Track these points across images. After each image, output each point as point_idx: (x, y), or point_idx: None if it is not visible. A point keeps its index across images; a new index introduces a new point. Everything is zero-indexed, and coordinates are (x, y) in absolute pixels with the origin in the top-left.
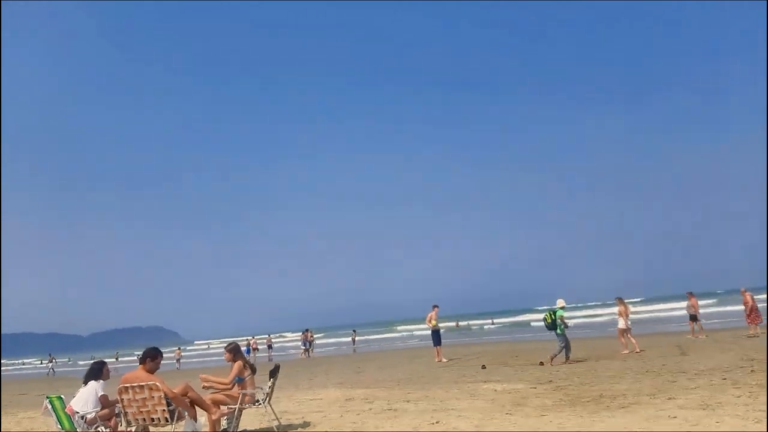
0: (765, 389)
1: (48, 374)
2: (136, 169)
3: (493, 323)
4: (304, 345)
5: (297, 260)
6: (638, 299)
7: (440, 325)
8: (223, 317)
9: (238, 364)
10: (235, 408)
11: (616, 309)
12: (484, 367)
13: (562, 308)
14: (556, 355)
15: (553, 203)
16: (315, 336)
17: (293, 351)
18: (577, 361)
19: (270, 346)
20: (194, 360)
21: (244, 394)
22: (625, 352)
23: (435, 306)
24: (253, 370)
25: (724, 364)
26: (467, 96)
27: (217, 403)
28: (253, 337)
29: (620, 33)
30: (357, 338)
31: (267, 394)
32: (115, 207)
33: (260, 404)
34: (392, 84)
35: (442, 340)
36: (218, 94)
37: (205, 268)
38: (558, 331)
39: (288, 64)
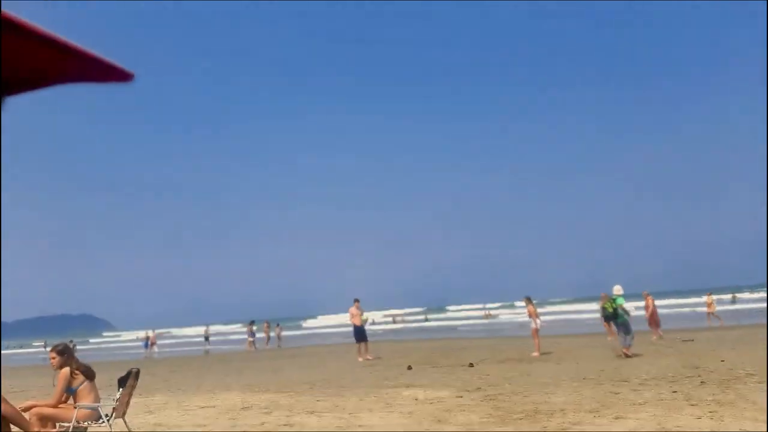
0: (726, 409)
1: None
2: (68, 144)
3: (426, 319)
4: (249, 336)
5: (235, 252)
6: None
7: (374, 319)
8: (153, 307)
9: (64, 372)
10: (69, 427)
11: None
12: (410, 368)
13: (621, 296)
14: (630, 345)
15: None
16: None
17: (235, 343)
18: (511, 360)
19: (207, 338)
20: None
21: (80, 409)
22: (536, 354)
23: (356, 300)
24: (89, 375)
25: (668, 372)
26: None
27: (44, 420)
28: (154, 331)
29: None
30: (283, 333)
31: (114, 408)
32: (43, 185)
33: (103, 422)
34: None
35: (369, 338)
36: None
37: (135, 256)
38: (620, 320)
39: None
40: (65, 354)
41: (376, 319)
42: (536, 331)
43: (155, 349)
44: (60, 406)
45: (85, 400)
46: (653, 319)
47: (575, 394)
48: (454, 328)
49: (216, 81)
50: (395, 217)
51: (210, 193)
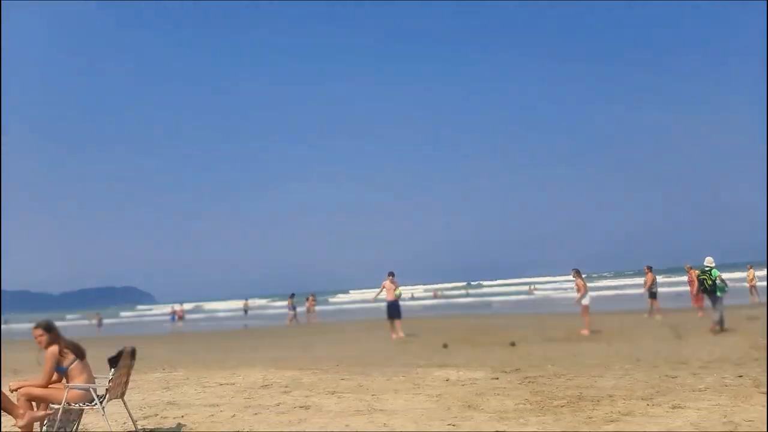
0: None
1: None
2: (108, 127)
3: (467, 294)
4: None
5: (271, 225)
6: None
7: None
8: (194, 279)
9: (52, 350)
10: (58, 408)
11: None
12: (445, 346)
13: (714, 268)
14: (720, 320)
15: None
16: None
17: (274, 318)
18: (557, 339)
19: (246, 311)
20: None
21: (70, 390)
22: (585, 332)
23: (391, 274)
24: (80, 354)
25: (733, 353)
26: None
27: (33, 401)
28: (181, 304)
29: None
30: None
31: (107, 389)
32: (86, 166)
33: (96, 405)
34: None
35: (406, 314)
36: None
37: (177, 230)
38: (719, 293)
39: None
40: (52, 331)
41: (416, 294)
42: (586, 307)
43: (181, 323)
44: (51, 386)
45: (77, 380)
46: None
47: (626, 378)
48: (495, 304)
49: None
50: (434, 187)
51: (249, 166)
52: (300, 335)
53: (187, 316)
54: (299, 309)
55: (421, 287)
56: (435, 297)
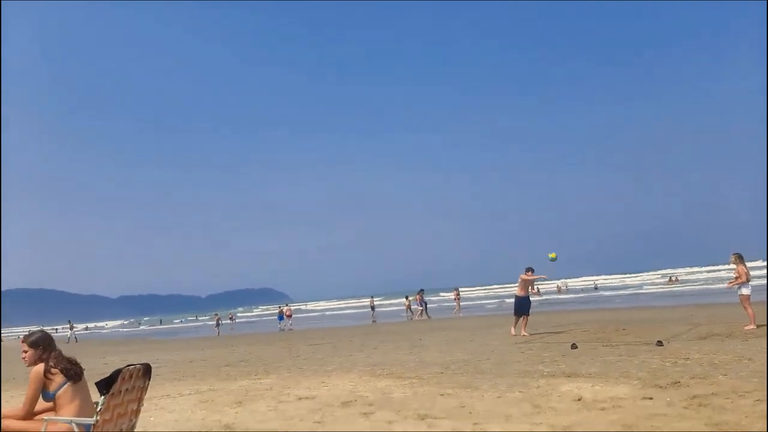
0: None
1: (68, 341)
2: (240, 144)
3: (596, 287)
4: (421, 305)
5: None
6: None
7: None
8: (327, 279)
9: (36, 371)
10: None
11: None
12: (574, 346)
13: None
14: None
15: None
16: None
17: (398, 313)
18: (717, 336)
19: (373, 308)
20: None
21: (50, 424)
22: (751, 327)
23: (529, 269)
24: (72, 375)
25: None
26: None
27: None
28: (287, 304)
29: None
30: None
31: (94, 424)
32: (222, 179)
33: None
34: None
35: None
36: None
37: (310, 235)
38: None
39: None
40: (40, 346)
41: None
42: (746, 297)
43: (290, 322)
44: (38, 413)
45: (65, 409)
46: None
47: None
48: (630, 296)
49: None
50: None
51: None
52: (415, 332)
53: (314, 315)
54: (417, 305)
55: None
56: (559, 291)
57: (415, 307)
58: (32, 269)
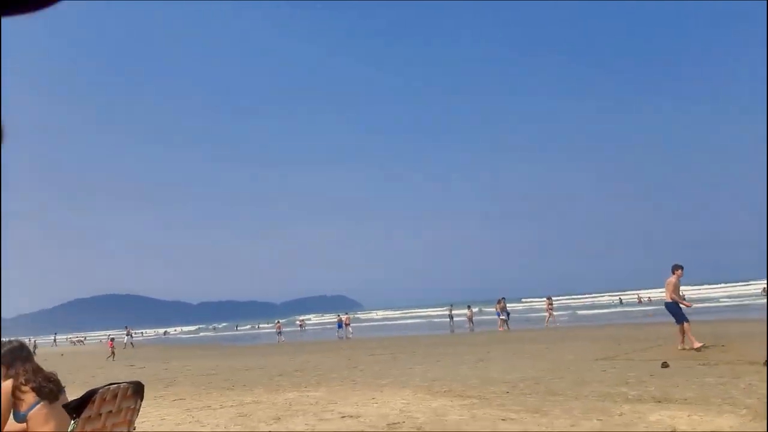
0: None
1: (124, 347)
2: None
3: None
4: (501, 315)
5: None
6: None
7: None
8: (401, 288)
9: (5, 388)
10: None
11: None
12: (665, 365)
13: None
14: None
15: None
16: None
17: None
18: None
19: (451, 317)
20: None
21: None
22: None
23: (678, 267)
24: (46, 393)
25: None
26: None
27: None
28: (346, 313)
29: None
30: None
31: None
32: (298, 187)
33: None
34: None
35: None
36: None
37: (382, 244)
38: None
39: None
40: (10, 359)
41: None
42: None
43: (349, 330)
44: None
45: (40, 431)
46: None
47: None
48: (726, 308)
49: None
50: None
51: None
52: (484, 344)
53: (384, 323)
54: (499, 315)
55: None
56: (640, 302)
57: (499, 317)
58: (121, 276)
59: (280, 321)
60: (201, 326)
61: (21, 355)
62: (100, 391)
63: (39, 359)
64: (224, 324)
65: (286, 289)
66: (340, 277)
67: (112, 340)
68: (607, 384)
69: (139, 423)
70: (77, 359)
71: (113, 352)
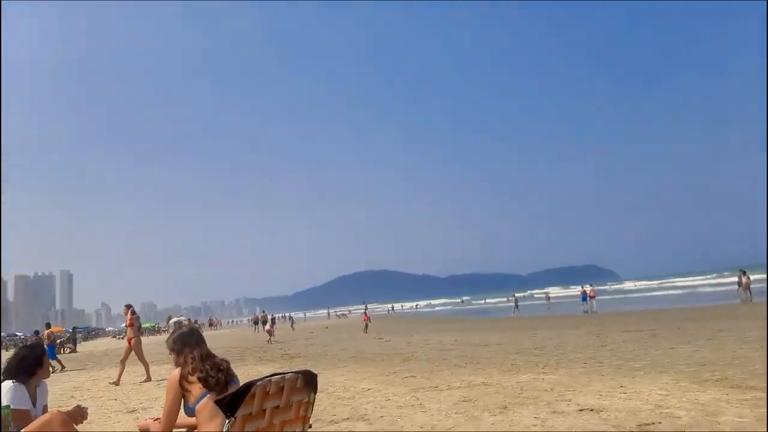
0: None
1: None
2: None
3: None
4: None
5: None
6: None
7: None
8: (664, 254)
9: (171, 377)
10: None
11: None
12: None
13: None
14: None
15: None
16: None
17: None
18: None
19: (740, 284)
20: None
21: None
22: None
23: None
24: (212, 385)
25: None
26: None
27: None
28: (591, 285)
29: None
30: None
31: None
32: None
33: None
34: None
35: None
36: None
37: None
38: None
39: None
40: (180, 346)
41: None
42: None
43: (593, 303)
44: (180, 428)
45: (203, 429)
46: None
47: None
48: None
49: None
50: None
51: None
52: None
53: (646, 295)
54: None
55: None
56: None
57: None
58: (375, 254)
59: (516, 294)
60: (451, 300)
61: (190, 341)
62: (260, 383)
63: (304, 331)
64: (469, 297)
65: (532, 260)
66: (591, 244)
67: (366, 315)
68: None
69: (365, 401)
70: (339, 332)
71: (367, 326)
